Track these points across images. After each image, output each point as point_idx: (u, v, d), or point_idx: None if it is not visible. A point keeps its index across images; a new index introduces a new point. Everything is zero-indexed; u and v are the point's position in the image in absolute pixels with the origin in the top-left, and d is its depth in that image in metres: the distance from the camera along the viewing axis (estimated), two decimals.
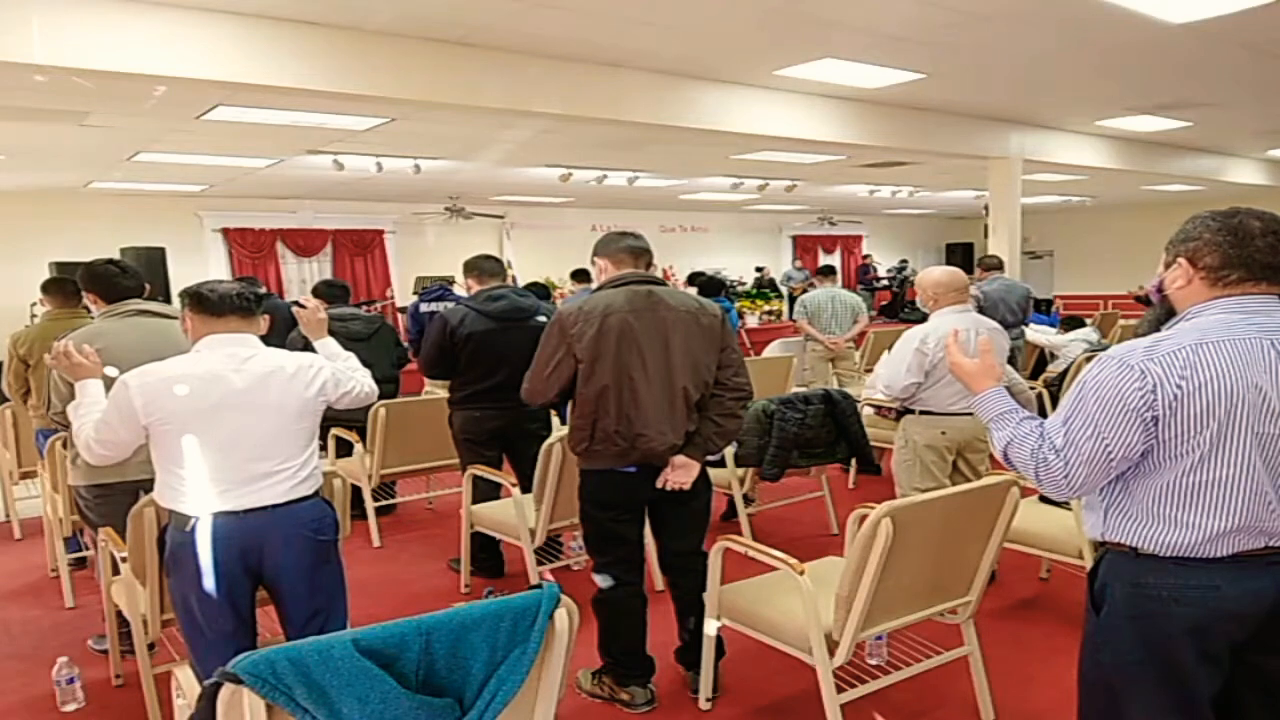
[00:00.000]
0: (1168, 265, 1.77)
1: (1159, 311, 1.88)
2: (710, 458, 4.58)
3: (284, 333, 4.91)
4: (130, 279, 3.35)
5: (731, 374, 2.96)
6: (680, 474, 2.88)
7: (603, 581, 2.98)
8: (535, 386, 2.92)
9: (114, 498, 3.08)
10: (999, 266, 7.30)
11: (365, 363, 2.95)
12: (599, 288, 2.97)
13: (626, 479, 2.87)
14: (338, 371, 2.65)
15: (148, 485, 2.53)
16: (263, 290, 3.55)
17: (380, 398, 4.62)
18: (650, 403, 2.81)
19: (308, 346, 2.87)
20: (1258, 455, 1.64)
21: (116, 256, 3.66)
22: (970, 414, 3.58)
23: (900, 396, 3.80)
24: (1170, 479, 1.68)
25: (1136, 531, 1.72)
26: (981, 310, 6.42)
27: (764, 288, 14.60)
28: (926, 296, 3.86)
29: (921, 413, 3.81)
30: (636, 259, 2.99)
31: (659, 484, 2.87)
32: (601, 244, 3.04)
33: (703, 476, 3.02)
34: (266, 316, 2.59)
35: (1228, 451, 1.64)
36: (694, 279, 9.07)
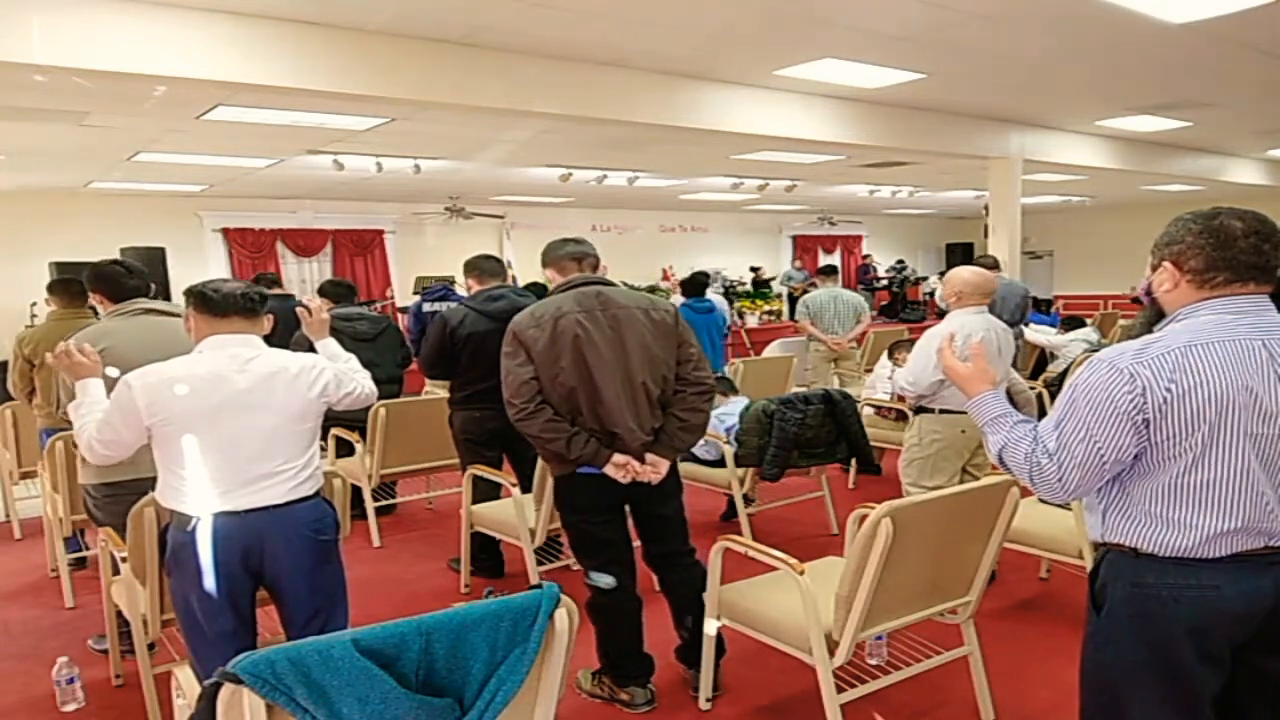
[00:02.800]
0: (1154, 268, 1.77)
1: (1150, 313, 1.88)
2: (708, 458, 4.61)
3: (287, 333, 4.90)
4: (136, 278, 3.37)
5: (691, 368, 2.95)
6: (649, 471, 2.87)
7: (594, 582, 2.97)
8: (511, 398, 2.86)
9: (124, 497, 3.06)
10: (994, 266, 7.30)
11: (371, 363, 2.94)
12: (549, 293, 2.98)
13: (596, 481, 2.86)
14: (339, 372, 2.65)
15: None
16: (275, 290, 3.53)
17: (385, 398, 4.65)
18: (613, 401, 2.80)
19: (313, 347, 2.88)
20: (1253, 456, 1.64)
21: (117, 256, 3.67)
22: None
23: (926, 393, 3.82)
24: (1166, 480, 1.68)
25: (1136, 532, 1.72)
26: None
27: (760, 287, 14.61)
28: (950, 292, 3.87)
29: (942, 411, 3.82)
30: (580, 263, 3.00)
31: (624, 478, 2.84)
32: (544, 254, 3.06)
33: (674, 478, 3.01)
34: (270, 316, 2.59)
35: (1221, 453, 1.64)
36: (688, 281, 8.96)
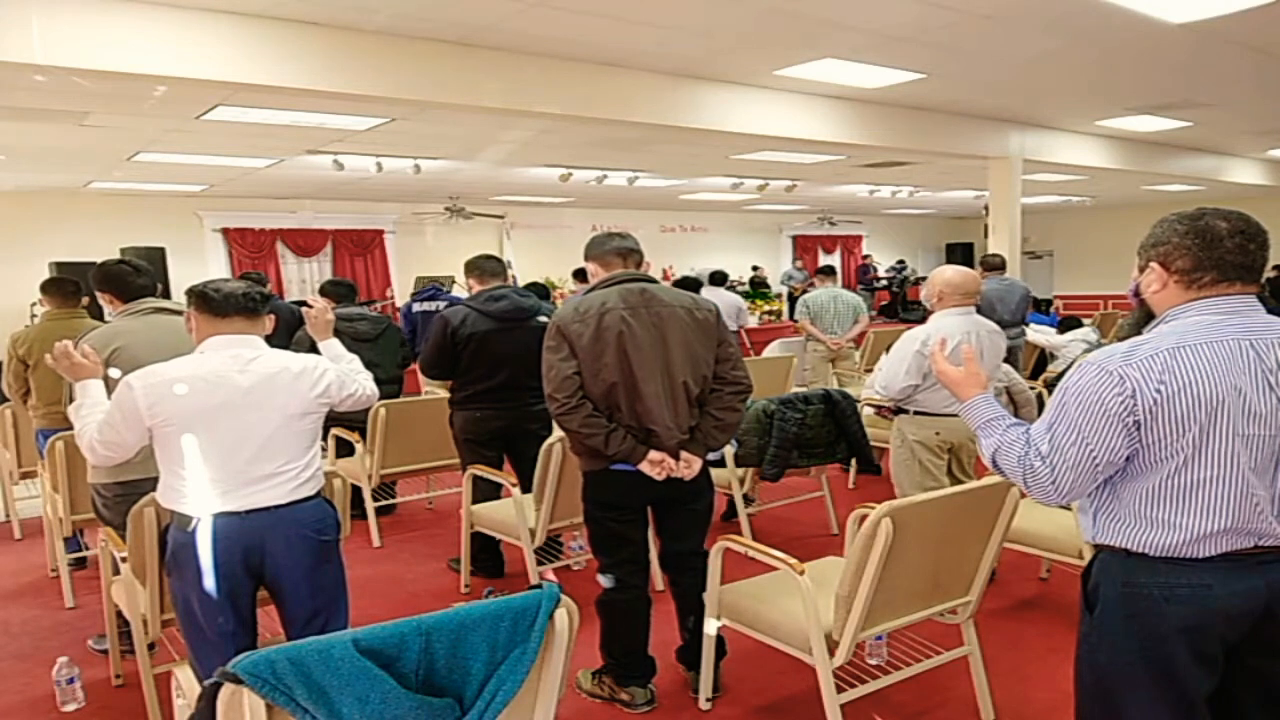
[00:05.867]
0: (1141, 270, 1.78)
1: (1139, 314, 1.88)
2: (711, 456, 4.60)
3: (287, 334, 4.90)
4: (144, 277, 3.35)
5: (729, 368, 2.97)
6: (683, 468, 2.88)
7: (607, 582, 2.98)
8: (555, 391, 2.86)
9: (135, 497, 3.05)
10: (1000, 266, 7.29)
11: (372, 363, 2.93)
12: (591, 288, 2.98)
13: (628, 478, 2.87)
14: (341, 373, 2.65)
15: None
16: (268, 290, 3.52)
17: (385, 398, 4.65)
18: (653, 398, 2.81)
19: (314, 347, 2.87)
20: (1243, 456, 1.64)
21: (117, 256, 3.66)
22: None
23: (897, 397, 3.80)
24: (1156, 482, 1.68)
25: (1126, 533, 1.72)
26: (979, 309, 6.40)
27: (759, 287, 14.62)
28: (932, 293, 3.84)
29: (916, 413, 3.81)
30: (625, 259, 3.00)
31: (659, 475, 2.85)
32: (590, 247, 3.05)
33: (705, 476, 3.02)
34: (272, 316, 2.59)
35: (1211, 454, 1.64)
36: (711, 278, 8.92)
